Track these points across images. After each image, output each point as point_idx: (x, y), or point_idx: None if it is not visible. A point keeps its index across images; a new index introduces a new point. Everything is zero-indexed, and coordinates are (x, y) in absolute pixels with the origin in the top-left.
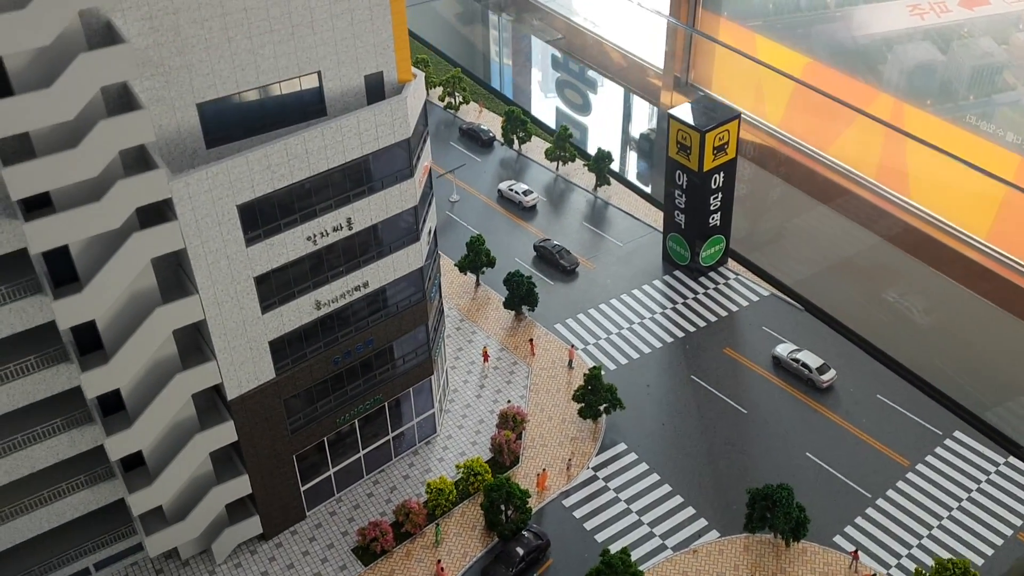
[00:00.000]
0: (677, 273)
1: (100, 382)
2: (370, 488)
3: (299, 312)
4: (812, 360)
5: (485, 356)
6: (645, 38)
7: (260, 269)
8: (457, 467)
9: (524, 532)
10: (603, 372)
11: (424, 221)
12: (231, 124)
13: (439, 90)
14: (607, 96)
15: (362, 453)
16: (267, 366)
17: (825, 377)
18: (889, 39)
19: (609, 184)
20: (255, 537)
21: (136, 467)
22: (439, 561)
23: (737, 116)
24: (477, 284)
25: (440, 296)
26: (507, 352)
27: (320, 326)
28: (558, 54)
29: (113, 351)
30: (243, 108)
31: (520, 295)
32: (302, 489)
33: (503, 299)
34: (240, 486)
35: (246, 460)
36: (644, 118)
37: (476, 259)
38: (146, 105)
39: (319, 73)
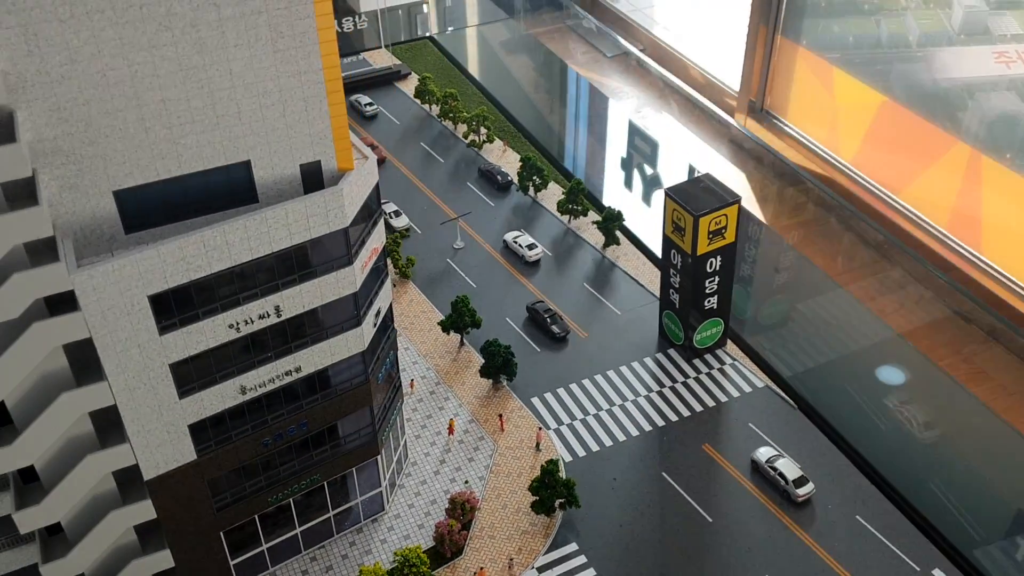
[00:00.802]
0: (672, 352)
1: (6, 460)
2: (306, 565)
3: (222, 396)
4: (791, 470)
5: (451, 429)
6: (724, 58)
7: (176, 356)
8: (395, 554)
9: None
10: (570, 459)
11: (369, 304)
12: (152, 210)
13: (463, 127)
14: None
15: (299, 530)
16: (187, 448)
17: (802, 491)
18: (971, 85)
19: (618, 244)
20: None
21: (58, 532)
22: None
23: (736, 201)
24: (461, 344)
25: (396, 371)
26: (476, 425)
27: (247, 408)
28: (637, 122)
29: (22, 428)
30: (165, 194)
31: (496, 365)
32: (232, 562)
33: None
34: (162, 560)
35: (167, 536)
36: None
37: (459, 320)
38: (50, 196)
39: (248, 162)
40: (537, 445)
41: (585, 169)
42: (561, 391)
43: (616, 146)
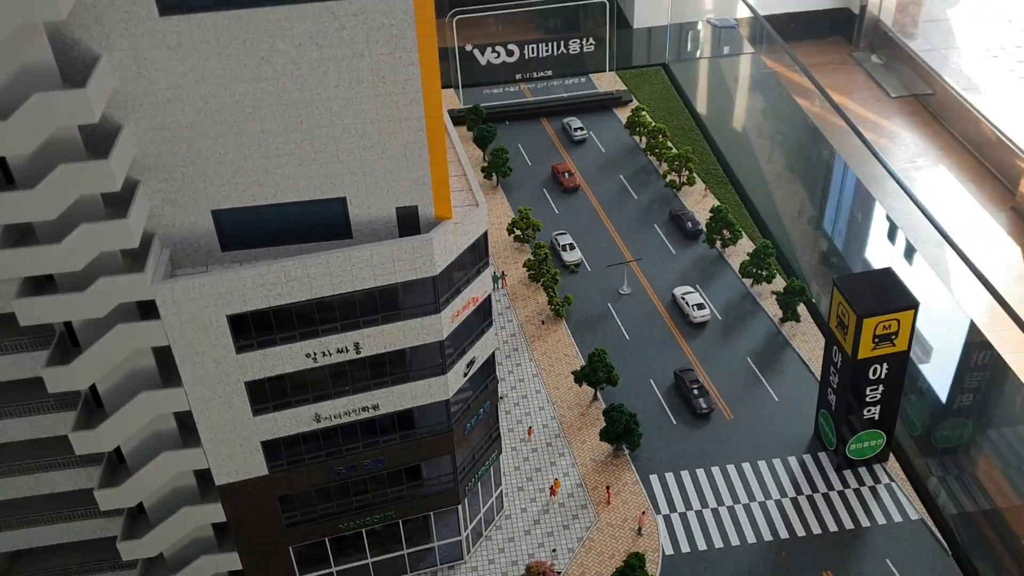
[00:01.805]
0: (823, 456)
1: (89, 443)
2: None
3: (296, 420)
4: None
5: (553, 490)
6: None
7: (252, 376)
8: None
9: None
10: (671, 553)
11: (461, 353)
12: (248, 232)
13: (665, 165)
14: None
15: (370, 560)
16: (259, 463)
17: None
18: None
19: (798, 320)
20: None
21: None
22: None
23: (912, 306)
24: (594, 398)
25: (495, 421)
26: (583, 491)
27: (321, 435)
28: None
29: (110, 415)
30: (262, 219)
31: (616, 432)
32: None
33: None
34: (231, 561)
35: (236, 541)
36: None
37: (593, 374)
38: (152, 208)
39: (344, 199)
40: (639, 530)
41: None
42: (685, 474)
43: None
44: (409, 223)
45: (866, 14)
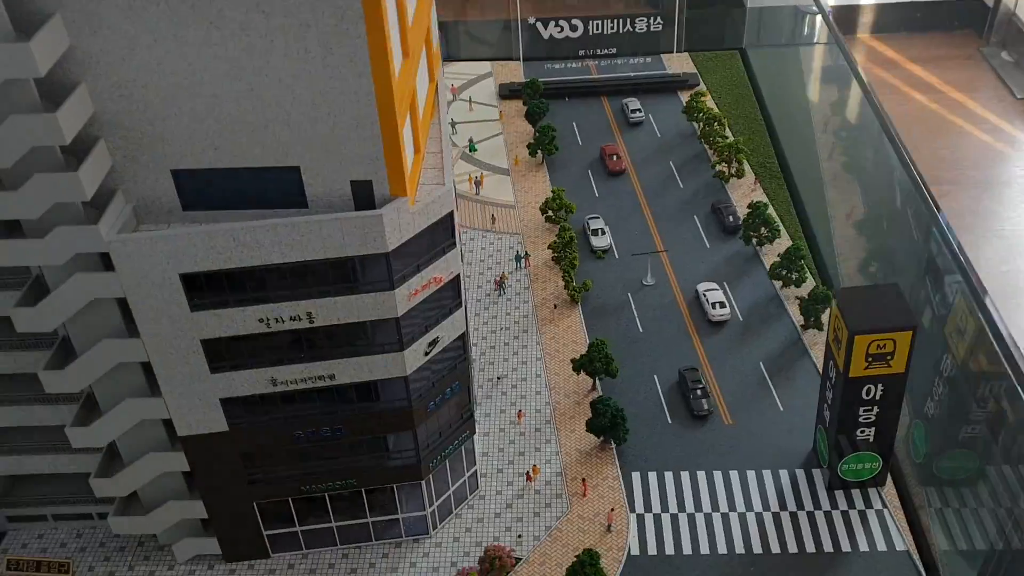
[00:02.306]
0: (816, 472)
1: (57, 383)
2: (336, 559)
3: (253, 382)
4: None
5: (529, 475)
6: None
7: (207, 335)
8: None
9: None
10: (636, 553)
11: (423, 332)
12: (208, 194)
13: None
14: None
15: (334, 524)
16: (219, 419)
17: None
18: None
19: (820, 330)
20: (219, 554)
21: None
22: None
23: (910, 327)
24: (592, 388)
25: (469, 402)
26: (561, 480)
27: (280, 399)
28: None
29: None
30: (220, 182)
31: (602, 425)
32: (265, 532)
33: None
34: (195, 509)
35: (201, 491)
36: None
37: (591, 363)
38: (115, 164)
39: (297, 168)
40: (608, 526)
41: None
42: (669, 475)
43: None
44: (364, 198)
45: (1000, 6)
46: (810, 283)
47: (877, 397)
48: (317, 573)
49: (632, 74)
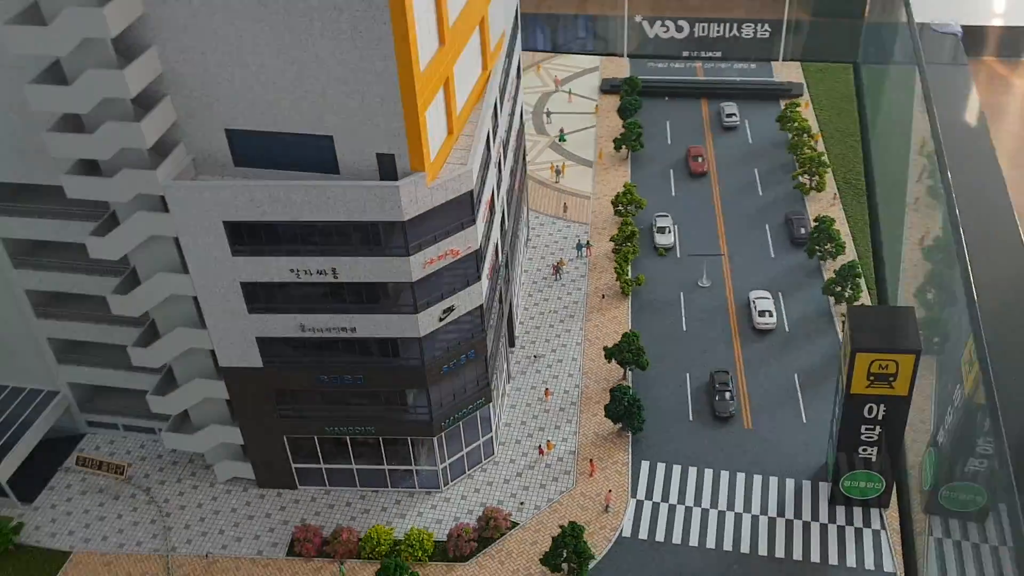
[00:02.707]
0: (823, 485)
1: (122, 306)
2: (354, 498)
3: (284, 325)
4: None
5: (541, 449)
6: None
7: (245, 278)
8: (411, 529)
9: None
10: (627, 536)
11: (438, 299)
12: (256, 152)
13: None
14: None
15: (354, 466)
16: (255, 355)
17: None
18: None
19: None
20: (253, 479)
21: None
22: None
23: (914, 351)
24: (623, 378)
25: (487, 372)
26: (572, 458)
27: (308, 344)
28: None
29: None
30: (267, 144)
31: (617, 411)
32: (294, 465)
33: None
34: (234, 434)
35: (238, 419)
36: None
37: (621, 354)
38: (179, 120)
39: (331, 137)
40: (606, 506)
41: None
42: (677, 468)
43: None
44: (388, 169)
45: None
46: (864, 301)
47: (879, 417)
48: (336, 508)
49: (738, 79)
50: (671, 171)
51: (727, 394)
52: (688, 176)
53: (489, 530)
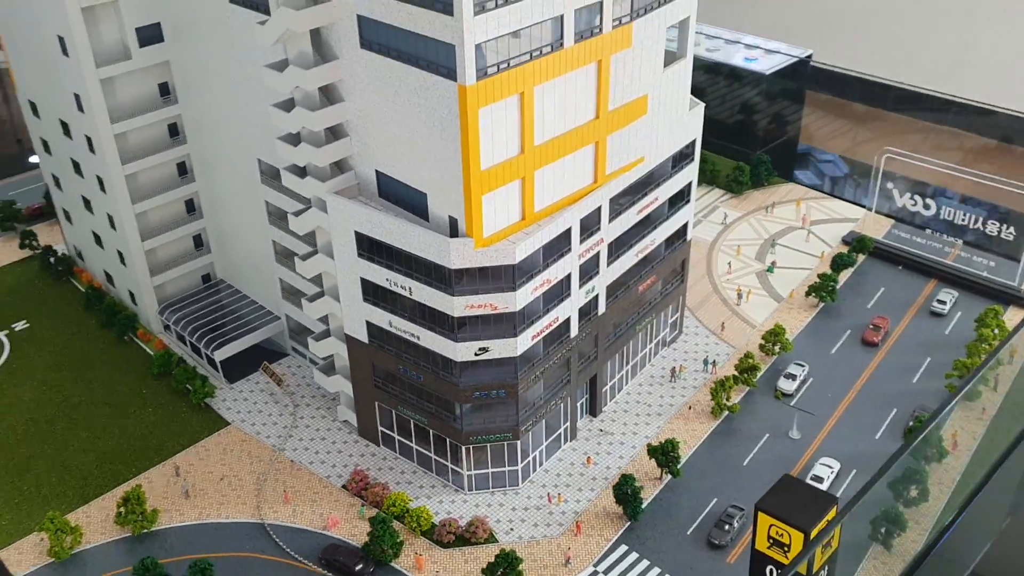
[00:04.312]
0: None
1: (301, 269)
2: (407, 469)
3: (380, 318)
4: None
5: (549, 498)
6: None
7: (363, 275)
8: (419, 508)
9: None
10: None
11: (476, 339)
12: (389, 190)
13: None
14: None
15: (414, 446)
16: (364, 332)
17: None
18: None
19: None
20: (356, 427)
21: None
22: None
23: (805, 531)
24: (659, 477)
25: (516, 409)
26: (573, 515)
27: (393, 337)
28: None
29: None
30: (395, 186)
31: (621, 496)
32: (379, 428)
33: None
34: (348, 387)
35: (351, 377)
36: None
37: (660, 455)
38: (350, 159)
39: (426, 195)
40: (567, 561)
41: None
42: (644, 563)
43: None
44: (454, 229)
45: None
46: None
47: None
48: (392, 470)
49: (984, 274)
50: (846, 332)
51: (727, 525)
52: (858, 342)
53: (470, 533)
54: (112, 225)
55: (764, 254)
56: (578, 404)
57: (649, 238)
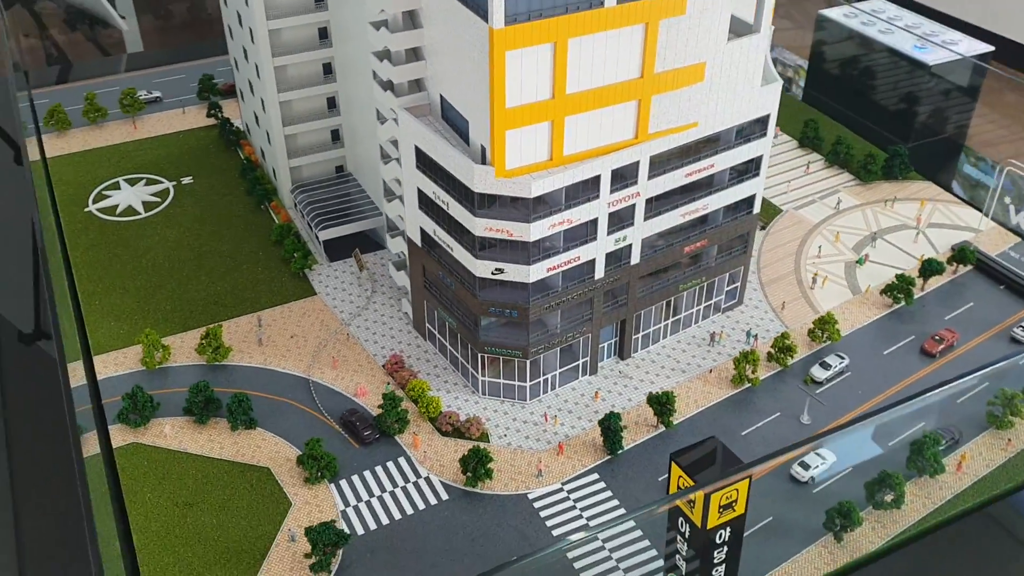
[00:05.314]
0: None
1: (383, 173)
2: (440, 364)
3: (427, 225)
4: None
5: (546, 417)
6: None
7: (418, 185)
8: (433, 396)
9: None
10: (523, 494)
11: (492, 260)
12: (448, 114)
13: None
14: None
15: (448, 346)
16: (418, 236)
17: None
18: None
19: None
20: (411, 319)
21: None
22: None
23: (700, 485)
24: (656, 424)
25: (527, 332)
26: (563, 439)
27: (436, 244)
28: None
29: None
30: (451, 110)
31: (605, 428)
32: (427, 324)
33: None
34: (407, 281)
35: (409, 271)
36: None
37: (658, 404)
38: (423, 83)
39: (467, 122)
40: (539, 472)
41: None
42: (607, 493)
43: None
44: (485, 157)
45: None
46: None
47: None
48: (430, 363)
49: None
50: (909, 337)
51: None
52: (916, 350)
53: (465, 428)
54: (263, 108)
55: (863, 246)
56: (605, 344)
57: (701, 202)
